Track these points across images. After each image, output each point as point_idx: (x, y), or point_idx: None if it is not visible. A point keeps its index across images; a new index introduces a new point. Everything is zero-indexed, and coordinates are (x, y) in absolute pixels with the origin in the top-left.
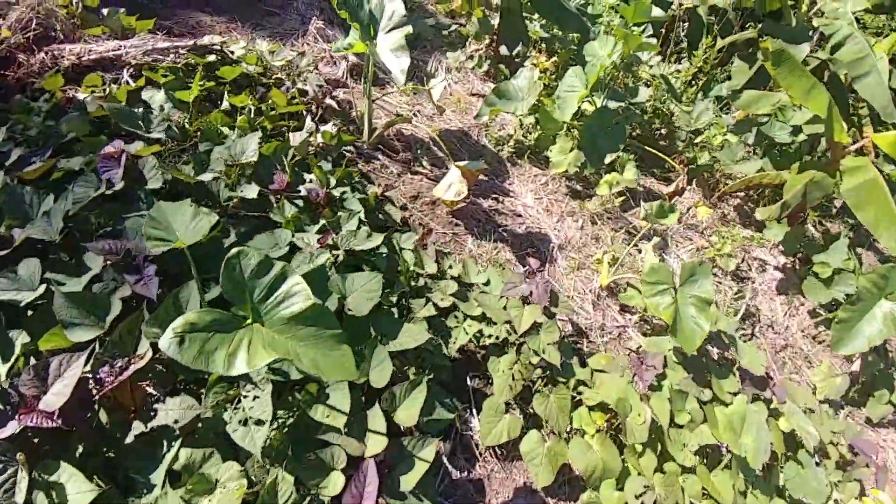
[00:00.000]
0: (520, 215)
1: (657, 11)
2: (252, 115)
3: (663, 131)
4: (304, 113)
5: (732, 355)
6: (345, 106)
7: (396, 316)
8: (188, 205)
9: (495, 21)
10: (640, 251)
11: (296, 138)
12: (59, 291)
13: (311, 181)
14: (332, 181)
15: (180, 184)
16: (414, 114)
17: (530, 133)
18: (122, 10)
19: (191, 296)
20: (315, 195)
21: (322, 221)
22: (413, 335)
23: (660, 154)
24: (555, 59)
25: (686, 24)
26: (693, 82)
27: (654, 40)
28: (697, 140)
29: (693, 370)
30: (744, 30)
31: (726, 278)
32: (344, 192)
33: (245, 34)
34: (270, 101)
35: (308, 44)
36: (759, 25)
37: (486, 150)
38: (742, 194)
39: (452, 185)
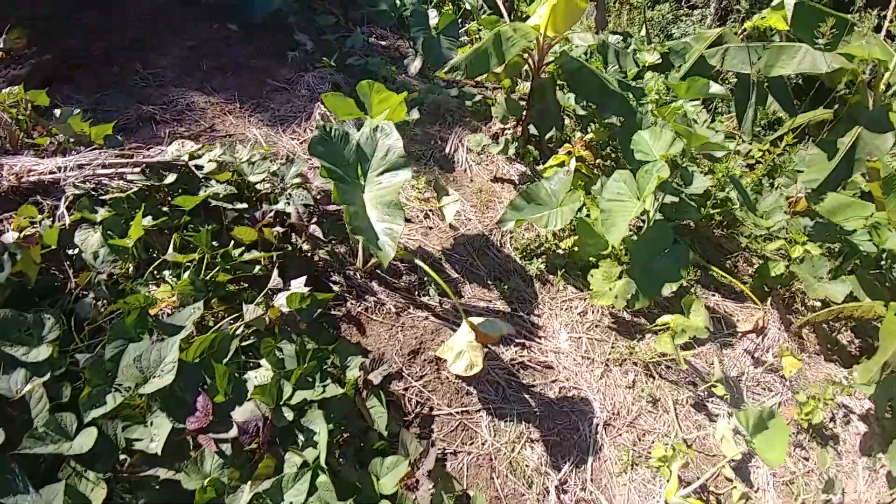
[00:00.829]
0: (551, 367)
1: (715, 87)
2: (203, 269)
3: (719, 217)
4: (273, 261)
5: None
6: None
7: None
8: None
9: (524, 86)
10: (711, 418)
11: (250, 311)
12: None
13: (253, 397)
14: (288, 389)
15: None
16: (426, 214)
17: (564, 234)
18: (77, 110)
19: None
20: (251, 433)
21: (255, 490)
22: None
23: (725, 274)
24: (591, 135)
25: (735, 87)
26: (755, 166)
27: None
28: (771, 248)
29: None
30: (803, 100)
31: (809, 441)
32: (304, 401)
33: (242, 118)
34: (232, 244)
35: (310, 129)
36: (836, 106)
37: (509, 264)
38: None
39: (463, 355)
